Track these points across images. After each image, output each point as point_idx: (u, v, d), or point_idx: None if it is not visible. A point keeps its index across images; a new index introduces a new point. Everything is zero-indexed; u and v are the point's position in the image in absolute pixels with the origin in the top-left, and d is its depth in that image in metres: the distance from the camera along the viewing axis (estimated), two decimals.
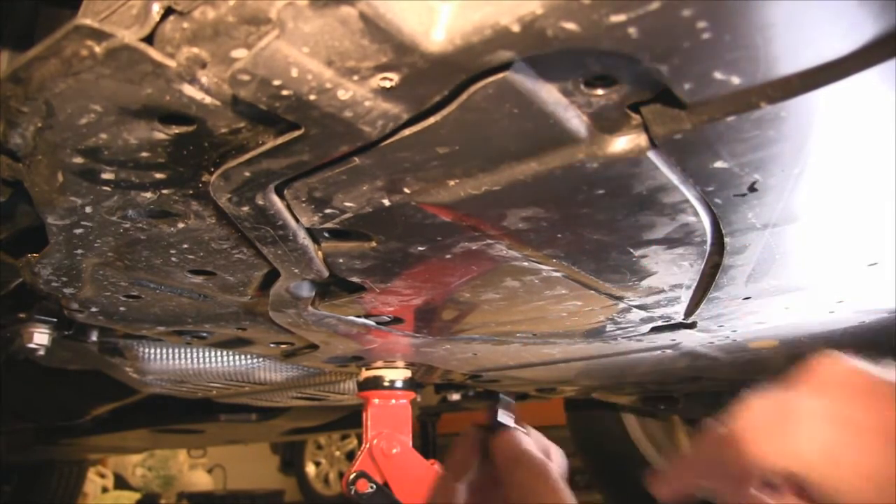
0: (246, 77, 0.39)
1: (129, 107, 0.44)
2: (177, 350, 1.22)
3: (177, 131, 0.47)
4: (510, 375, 1.30)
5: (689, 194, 0.53)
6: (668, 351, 1.15)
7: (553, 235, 0.60)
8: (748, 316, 0.92)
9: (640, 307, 0.83)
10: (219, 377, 1.29)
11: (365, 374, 1.13)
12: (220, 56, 0.41)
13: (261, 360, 1.28)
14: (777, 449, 0.43)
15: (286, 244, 0.60)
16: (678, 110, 0.43)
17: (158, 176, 0.52)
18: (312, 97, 0.41)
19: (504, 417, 0.73)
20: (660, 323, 0.92)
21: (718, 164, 0.48)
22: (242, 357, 1.26)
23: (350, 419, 2.12)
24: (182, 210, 0.58)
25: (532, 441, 0.68)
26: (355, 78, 0.40)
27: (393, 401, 1.11)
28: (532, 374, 1.28)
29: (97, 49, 0.40)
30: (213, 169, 0.51)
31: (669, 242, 0.63)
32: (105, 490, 4.52)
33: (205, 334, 0.94)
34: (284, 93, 0.40)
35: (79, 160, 0.50)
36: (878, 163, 0.54)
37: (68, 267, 0.69)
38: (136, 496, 4.75)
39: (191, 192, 0.55)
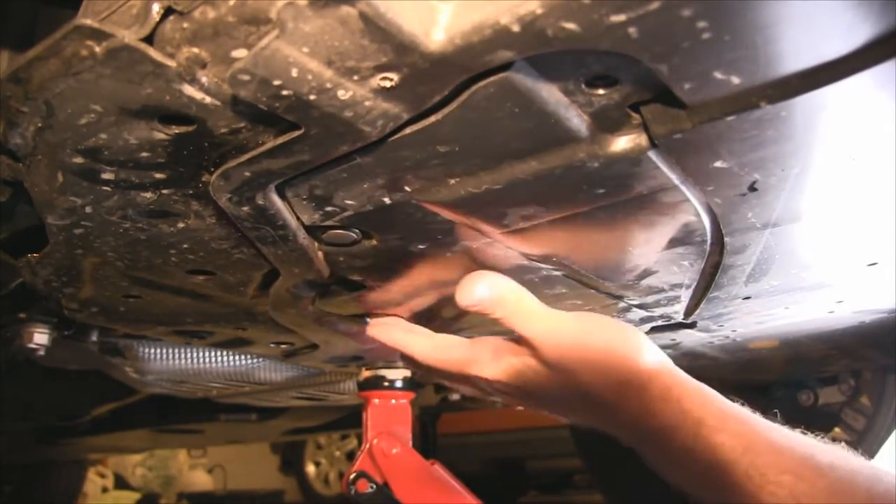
0: (246, 77, 0.39)
1: (129, 107, 0.44)
2: (177, 350, 1.22)
3: (177, 131, 0.47)
4: None
5: (689, 194, 0.53)
6: (668, 351, 1.15)
7: (553, 234, 0.60)
8: (748, 316, 0.92)
9: (639, 306, 0.83)
10: (219, 377, 1.29)
11: (365, 373, 1.13)
12: (220, 56, 0.41)
13: (261, 360, 1.28)
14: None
15: (286, 244, 0.60)
16: (678, 110, 0.43)
17: (158, 176, 0.52)
18: (312, 97, 0.41)
19: None
20: (659, 322, 0.92)
21: (718, 164, 0.48)
22: (242, 357, 1.26)
23: (350, 419, 2.12)
24: (182, 210, 0.58)
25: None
26: (355, 78, 0.40)
27: (393, 401, 1.11)
28: None
29: (97, 49, 0.40)
30: (213, 169, 0.51)
31: (669, 242, 0.63)
32: (105, 490, 4.51)
33: (205, 334, 0.94)
34: (284, 93, 0.40)
35: (79, 160, 0.50)
36: (877, 162, 0.54)
37: (68, 267, 0.69)
38: (136, 496, 4.75)
39: (191, 192, 0.55)
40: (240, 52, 0.40)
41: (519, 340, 0.66)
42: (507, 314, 0.65)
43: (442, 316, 0.84)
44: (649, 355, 0.63)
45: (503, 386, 0.68)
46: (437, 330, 0.75)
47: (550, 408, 0.70)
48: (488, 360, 0.68)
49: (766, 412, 0.61)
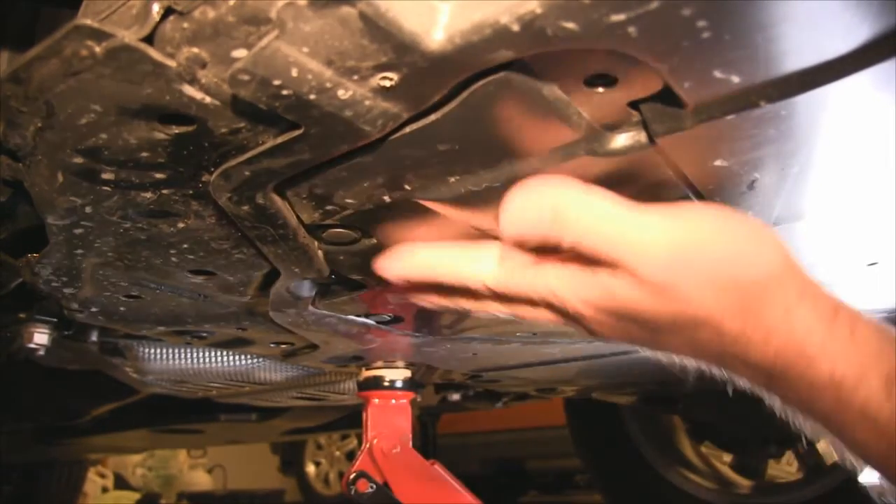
0: (246, 77, 0.39)
1: (129, 107, 0.44)
2: (177, 350, 1.22)
3: (177, 131, 0.47)
4: (510, 375, 1.30)
5: (689, 192, 0.53)
6: None
7: None
8: None
9: None
10: (219, 377, 1.29)
11: (365, 374, 1.13)
12: (220, 56, 0.41)
13: (261, 360, 1.28)
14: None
15: (286, 243, 0.60)
16: (678, 108, 0.43)
17: (158, 176, 0.52)
18: (312, 97, 0.41)
19: None
20: None
21: (718, 163, 0.48)
22: (242, 357, 1.26)
23: (350, 419, 2.12)
24: (182, 210, 0.58)
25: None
26: (355, 77, 0.40)
27: (393, 401, 1.11)
28: (532, 374, 1.28)
29: (97, 49, 0.40)
30: (213, 169, 0.51)
31: None
32: (105, 490, 4.52)
33: (205, 334, 0.94)
34: (284, 92, 0.40)
35: (79, 160, 0.50)
36: (877, 162, 0.54)
37: (68, 267, 0.69)
38: (136, 496, 4.75)
39: (191, 191, 0.55)
40: (240, 52, 0.40)
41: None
42: (579, 235, 0.47)
43: (442, 317, 0.84)
44: (787, 264, 0.47)
45: (596, 311, 0.50)
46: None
47: (656, 341, 0.52)
48: (573, 284, 0.50)
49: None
